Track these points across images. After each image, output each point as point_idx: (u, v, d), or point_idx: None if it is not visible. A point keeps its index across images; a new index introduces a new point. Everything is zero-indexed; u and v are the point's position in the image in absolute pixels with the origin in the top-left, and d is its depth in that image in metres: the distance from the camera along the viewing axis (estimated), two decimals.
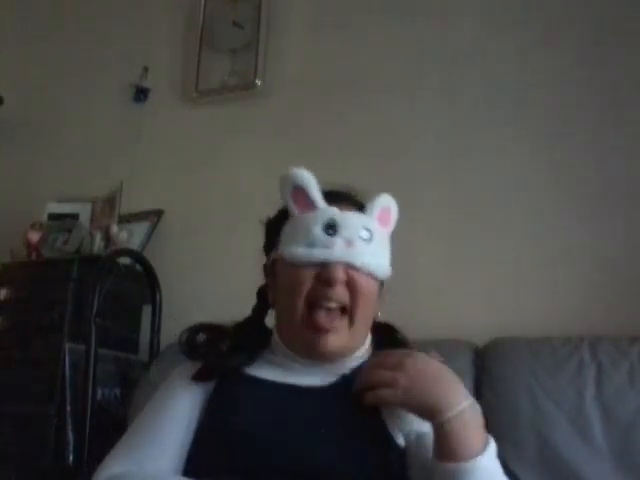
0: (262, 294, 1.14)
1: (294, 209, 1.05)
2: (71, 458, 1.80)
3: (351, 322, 1.02)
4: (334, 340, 1.00)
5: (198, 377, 1.05)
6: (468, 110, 2.02)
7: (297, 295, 1.01)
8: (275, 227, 1.09)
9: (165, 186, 2.38)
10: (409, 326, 1.81)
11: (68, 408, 1.86)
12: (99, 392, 1.89)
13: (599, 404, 1.43)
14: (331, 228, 1.01)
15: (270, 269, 1.09)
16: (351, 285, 1.00)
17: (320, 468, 0.91)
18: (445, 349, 1.63)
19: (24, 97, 2.65)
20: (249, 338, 1.09)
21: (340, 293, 1.00)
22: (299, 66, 2.31)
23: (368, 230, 1.03)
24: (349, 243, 1.00)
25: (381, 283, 1.09)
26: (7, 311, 2.08)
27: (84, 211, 2.35)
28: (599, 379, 1.46)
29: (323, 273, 0.99)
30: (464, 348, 1.65)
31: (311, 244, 1.01)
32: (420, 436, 0.96)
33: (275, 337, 1.08)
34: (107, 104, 2.56)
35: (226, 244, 2.19)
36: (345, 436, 0.95)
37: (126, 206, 2.28)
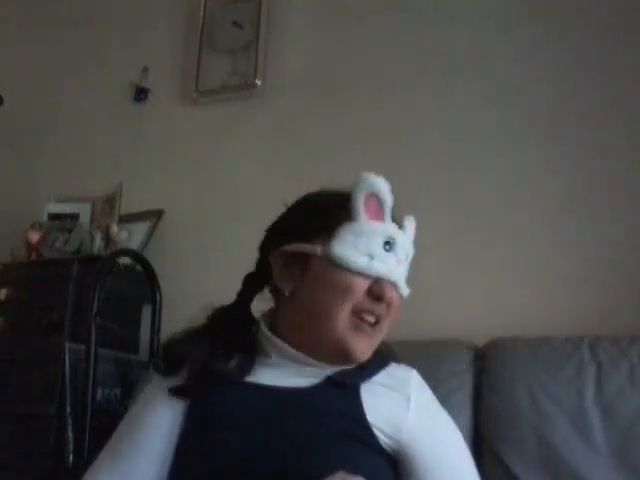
0: (253, 280, 1.10)
1: (362, 213, 1.00)
2: (71, 458, 1.80)
3: (379, 332, 1.02)
4: (365, 345, 1.00)
5: (179, 393, 1.02)
6: (468, 110, 2.02)
7: (346, 300, 0.98)
8: (322, 216, 1.03)
9: (165, 186, 2.38)
10: (409, 326, 1.82)
11: (68, 408, 1.86)
12: (99, 392, 1.89)
13: (599, 404, 1.43)
14: (388, 244, 1.00)
15: (296, 258, 1.02)
16: (389, 302, 1.00)
17: (303, 471, 0.90)
18: (445, 349, 1.64)
19: (24, 97, 2.65)
20: (235, 342, 1.05)
21: (383, 310, 1.00)
22: (299, 66, 2.31)
23: (408, 254, 1.05)
24: (399, 262, 1.01)
25: None
26: (7, 311, 2.08)
27: (84, 211, 2.35)
28: (599, 379, 1.46)
29: (376, 288, 0.98)
30: (464, 348, 1.65)
31: (371, 256, 0.99)
32: (413, 456, 0.97)
33: (267, 335, 1.04)
34: (107, 104, 2.56)
35: (226, 244, 2.19)
36: (328, 438, 0.94)
37: (126, 206, 2.28)
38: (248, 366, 1.02)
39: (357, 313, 0.98)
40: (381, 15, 2.21)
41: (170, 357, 1.06)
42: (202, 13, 2.46)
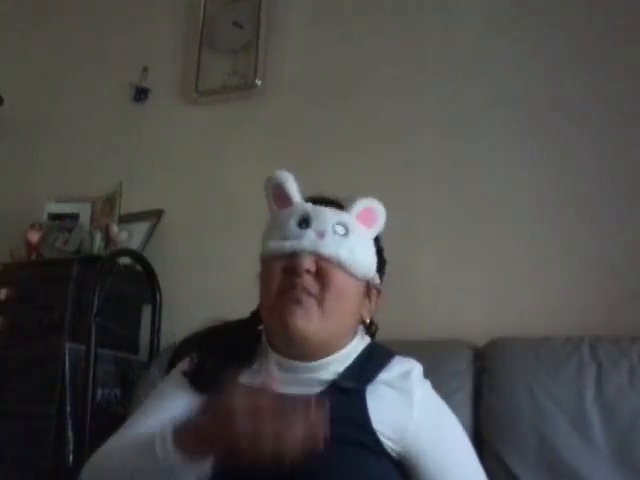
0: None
1: (274, 207, 1.08)
2: (71, 458, 1.81)
3: (320, 307, 1.00)
4: (303, 317, 0.98)
5: (194, 385, 1.04)
6: (468, 110, 2.02)
7: (269, 286, 1.02)
8: None
9: (165, 186, 2.38)
10: (409, 326, 1.82)
11: (68, 408, 1.86)
12: (99, 392, 1.89)
13: (599, 404, 1.43)
14: (305, 222, 1.03)
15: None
16: (321, 276, 1.00)
17: (301, 478, 0.90)
18: (445, 349, 1.64)
19: (24, 97, 2.65)
20: (239, 346, 1.08)
21: (308, 282, 1.00)
22: (299, 66, 2.30)
23: (343, 225, 1.03)
24: (321, 235, 1.01)
25: (370, 285, 1.08)
26: (7, 311, 2.07)
27: (84, 211, 2.35)
28: (599, 379, 1.46)
29: (289, 262, 1.00)
30: (464, 348, 1.65)
31: (284, 237, 1.02)
32: (417, 457, 0.97)
33: (262, 340, 1.08)
34: (107, 104, 2.56)
35: (226, 244, 2.19)
36: (333, 445, 0.93)
37: (126, 206, 2.28)
38: (243, 366, 1.03)
39: (281, 292, 1.01)
40: (381, 15, 2.21)
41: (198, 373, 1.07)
42: (202, 13, 2.46)
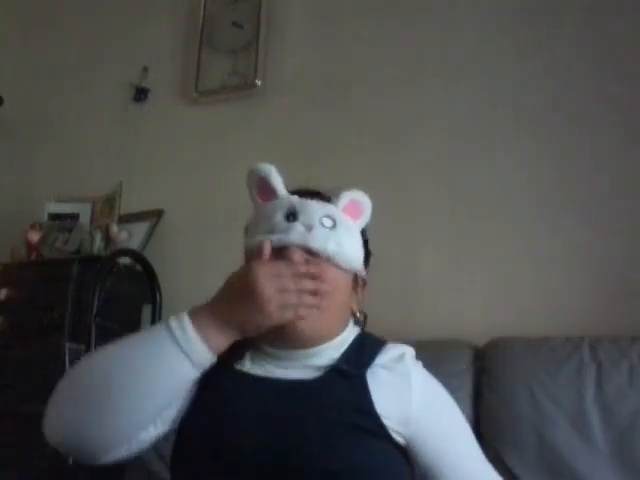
0: None
1: (257, 199, 1.09)
2: (71, 458, 1.80)
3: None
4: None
5: None
6: (468, 110, 2.02)
7: None
8: None
9: (165, 186, 2.38)
10: (409, 326, 1.82)
11: None
12: None
13: (599, 404, 1.43)
14: (292, 215, 1.02)
15: None
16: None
17: (305, 465, 0.90)
18: (445, 349, 1.64)
19: (24, 97, 2.65)
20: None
21: None
22: (299, 66, 2.31)
23: (331, 218, 1.02)
24: (309, 228, 1.00)
25: (357, 277, 1.07)
26: (7, 311, 2.08)
27: (84, 211, 2.35)
28: (599, 379, 1.46)
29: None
30: (464, 348, 1.65)
31: (271, 231, 1.01)
32: (418, 438, 0.97)
33: None
34: (107, 104, 2.57)
35: (226, 244, 2.18)
36: (338, 431, 0.93)
37: (126, 206, 2.28)
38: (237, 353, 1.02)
39: None
40: (381, 15, 2.21)
41: None
42: (202, 13, 2.46)
